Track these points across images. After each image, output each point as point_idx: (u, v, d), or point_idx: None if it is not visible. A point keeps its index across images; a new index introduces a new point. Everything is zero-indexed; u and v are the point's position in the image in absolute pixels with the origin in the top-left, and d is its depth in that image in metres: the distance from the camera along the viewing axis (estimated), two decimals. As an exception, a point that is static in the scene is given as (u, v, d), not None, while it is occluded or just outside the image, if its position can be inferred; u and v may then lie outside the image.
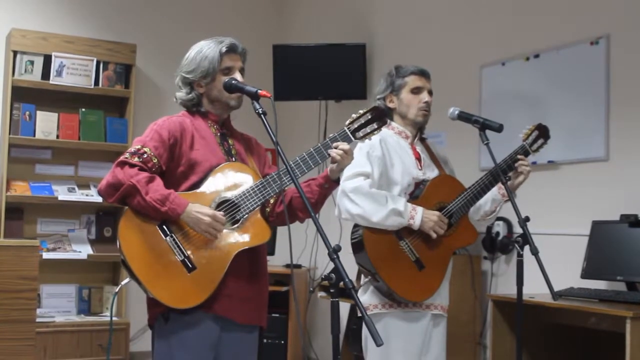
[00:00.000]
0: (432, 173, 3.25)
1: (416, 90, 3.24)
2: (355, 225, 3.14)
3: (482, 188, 3.20)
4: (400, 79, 3.25)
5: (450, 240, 3.17)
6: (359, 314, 3.14)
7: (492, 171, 3.19)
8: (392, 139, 3.23)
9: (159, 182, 2.50)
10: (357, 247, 3.11)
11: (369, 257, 3.04)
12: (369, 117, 2.69)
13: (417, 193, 3.19)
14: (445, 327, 3.25)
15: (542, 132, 3.33)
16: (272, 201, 2.73)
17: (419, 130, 3.32)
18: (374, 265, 3.04)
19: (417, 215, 3.06)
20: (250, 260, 2.63)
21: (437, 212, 3.11)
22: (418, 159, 3.25)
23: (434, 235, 3.08)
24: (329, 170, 2.66)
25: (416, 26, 5.13)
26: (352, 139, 2.67)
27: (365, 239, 3.07)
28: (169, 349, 2.56)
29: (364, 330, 3.20)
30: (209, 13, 6.14)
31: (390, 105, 3.28)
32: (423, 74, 3.27)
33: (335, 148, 2.60)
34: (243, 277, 2.60)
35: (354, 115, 2.69)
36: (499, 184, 3.21)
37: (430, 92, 3.27)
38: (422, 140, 3.36)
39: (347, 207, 3.06)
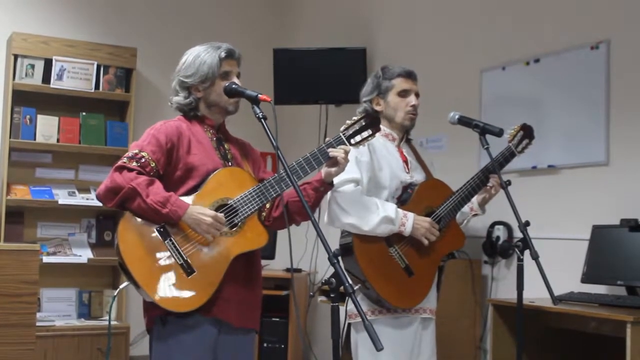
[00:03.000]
0: (419, 175, 3.23)
1: (403, 93, 3.18)
2: (345, 231, 3.11)
3: (470, 191, 3.18)
4: (387, 82, 3.18)
5: (439, 245, 3.13)
6: (349, 321, 3.14)
7: (479, 174, 3.19)
8: (379, 143, 3.16)
9: (158, 185, 2.51)
10: (347, 253, 3.06)
11: (359, 264, 3.01)
12: (363, 123, 2.71)
13: (406, 197, 3.15)
14: (434, 329, 3.23)
15: (527, 133, 3.32)
16: (268, 206, 2.74)
17: (405, 133, 3.28)
18: (364, 272, 3.00)
19: (408, 222, 3.03)
20: (247, 264, 2.64)
21: (428, 219, 3.07)
22: (405, 161, 3.22)
23: (426, 242, 3.05)
24: (324, 173, 2.68)
25: (416, 30, 5.13)
26: (348, 145, 2.68)
27: (355, 245, 3.02)
28: (167, 352, 2.56)
29: (354, 336, 3.16)
30: (209, 17, 6.15)
31: (377, 108, 3.20)
32: (410, 75, 3.20)
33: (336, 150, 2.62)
34: (240, 281, 2.62)
35: (348, 122, 2.71)
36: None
37: (417, 95, 3.21)
38: (408, 142, 3.32)
39: (338, 215, 3.01)
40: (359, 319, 3.05)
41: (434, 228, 3.07)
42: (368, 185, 3.09)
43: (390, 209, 3.02)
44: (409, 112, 3.18)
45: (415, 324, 3.12)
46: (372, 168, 3.10)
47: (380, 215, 2.99)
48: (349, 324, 3.19)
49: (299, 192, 2.36)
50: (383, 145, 3.19)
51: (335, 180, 2.98)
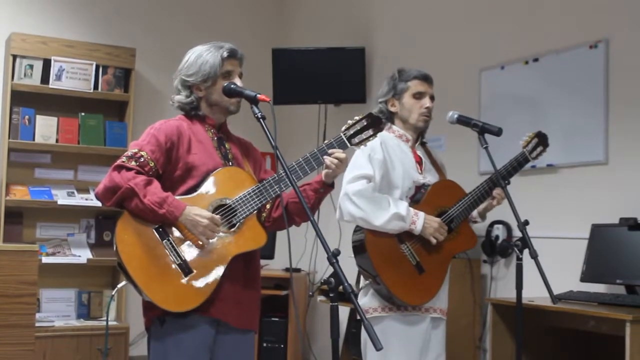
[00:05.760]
0: (432, 177, 3.27)
1: (418, 95, 3.25)
2: (357, 228, 3.15)
3: (483, 194, 3.24)
4: (402, 83, 3.26)
5: (450, 245, 3.19)
6: (358, 318, 3.15)
7: (492, 177, 3.22)
8: (392, 142, 3.24)
9: (156, 184, 2.51)
10: (359, 249, 3.12)
11: (371, 260, 3.05)
12: (365, 123, 2.71)
13: (419, 197, 3.21)
14: (445, 330, 3.27)
15: (542, 140, 3.39)
16: (268, 206, 2.74)
17: (419, 135, 3.33)
18: (376, 268, 3.05)
19: (419, 221, 3.07)
20: (245, 264, 2.64)
21: (437, 219, 3.13)
22: (419, 162, 3.27)
23: (434, 242, 3.10)
24: (324, 175, 2.68)
25: (415, 30, 5.13)
26: (349, 145, 2.69)
27: (368, 241, 3.08)
28: (164, 352, 2.56)
29: (363, 334, 3.21)
30: (208, 17, 6.15)
31: (392, 109, 3.28)
32: (426, 79, 3.28)
33: (330, 155, 2.61)
34: (238, 281, 2.62)
35: (349, 122, 2.71)
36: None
37: (432, 98, 3.28)
38: (423, 145, 3.36)
39: (350, 210, 3.07)
40: (370, 315, 3.09)
41: (443, 228, 3.12)
42: (381, 183, 3.13)
43: (402, 206, 3.07)
44: (423, 114, 3.25)
45: (425, 322, 3.17)
46: (385, 166, 3.15)
47: (391, 212, 3.03)
48: (358, 320, 3.22)
49: (299, 193, 2.36)
50: (397, 145, 3.25)
51: (348, 175, 3.04)
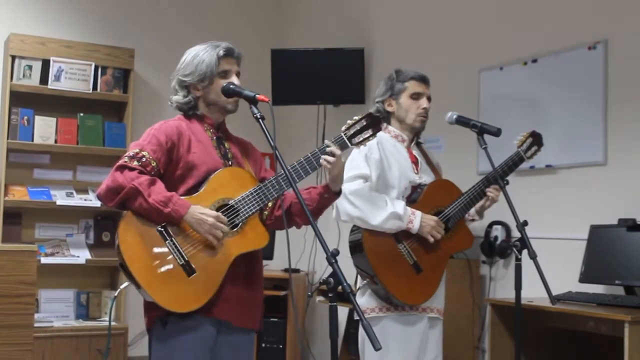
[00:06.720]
0: (428, 177, 3.28)
1: (415, 96, 3.26)
2: (354, 228, 3.15)
3: (479, 193, 3.23)
4: (400, 84, 3.28)
5: (447, 244, 3.19)
6: (356, 318, 3.16)
7: (489, 177, 3.23)
8: (389, 142, 3.25)
9: (160, 184, 2.51)
10: (356, 249, 3.12)
11: (369, 259, 3.06)
12: (364, 123, 2.72)
13: (415, 197, 3.21)
14: (441, 329, 3.27)
15: (536, 140, 3.38)
16: (270, 204, 2.73)
17: (415, 135, 3.33)
18: (373, 268, 3.05)
19: (416, 220, 3.08)
20: (247, 264, 2.64)
21: (435, 217, 3.14)
22: (414, 162, 3.27)
23: (432, 240, 3.11)
24: (328, 179, 2.67)
25: (414, 30, 5.13)
26: (349, 145, 2.69)
27: (365, 241, 3.08)
28: (167, 353, 2.56)
29: (361, 334, 3.21)
30: (207, 18, 6.15)
31: (389, 109, 3.29)
32: (423, 79, 3.30)
33: (326, 154, 2.61)
34: (240, 281, 2.62)
35: (349, 122, 2.71)
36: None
37: (429, 98, 3.30)
38: (418, 145, 3.37)
39: (347, 210, 3.07)
40: (367, 316, 3.09)
41: (440, 227, 3.13)
42: (377, 183, 3.14)
43: (399, 205, 3.08)
44: (420, 114, 3.27)
45: (423, 322, 3.17)
46: (381, 166, 3.16)
47: (388, 211, 3.05)
48: (356, 320, 3.22)
49: (298, 194, 2.36)
50: (393, 145, 3.26)
51: (345, 175, 3.02)
